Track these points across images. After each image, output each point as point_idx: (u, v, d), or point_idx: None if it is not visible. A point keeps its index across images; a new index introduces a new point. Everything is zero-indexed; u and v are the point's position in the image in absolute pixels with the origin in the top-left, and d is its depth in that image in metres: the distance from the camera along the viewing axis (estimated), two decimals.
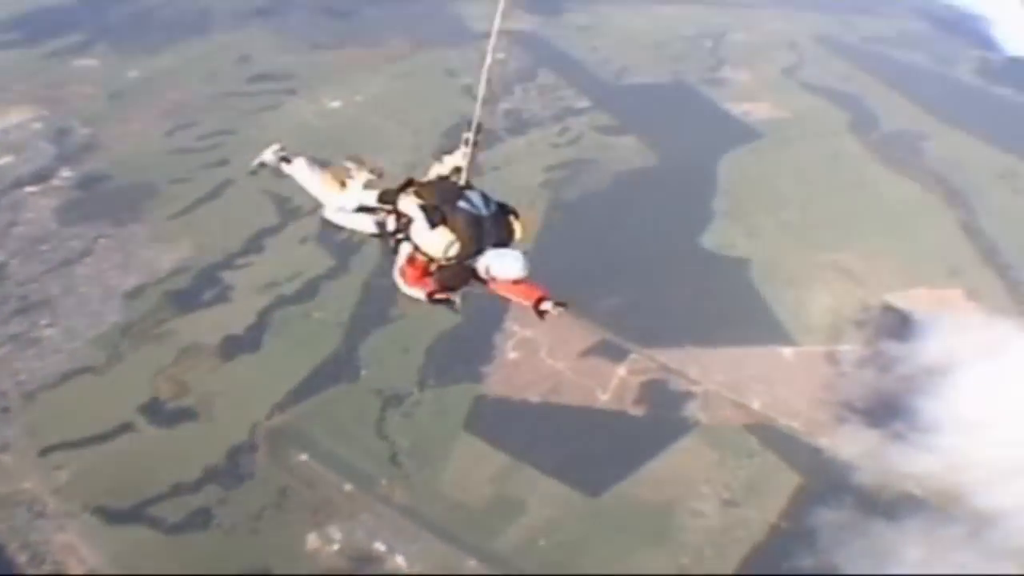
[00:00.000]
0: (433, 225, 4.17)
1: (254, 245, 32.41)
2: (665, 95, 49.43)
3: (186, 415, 25.57)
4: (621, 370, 29.22)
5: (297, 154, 5.39)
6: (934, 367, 35.57)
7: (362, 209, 4.84)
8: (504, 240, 4.48)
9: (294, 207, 34.06)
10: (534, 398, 27.95)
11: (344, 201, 4.88)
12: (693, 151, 42.34)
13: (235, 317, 29.26)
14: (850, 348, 32.46)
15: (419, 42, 51.16)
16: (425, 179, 4.77)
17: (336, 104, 43.62)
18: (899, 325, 34.78)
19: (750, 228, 37.26)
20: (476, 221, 4.33)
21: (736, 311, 32.41)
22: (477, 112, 4.87)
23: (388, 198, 4.62)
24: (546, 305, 4.49)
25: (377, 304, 30.19)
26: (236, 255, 31.88)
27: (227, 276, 30.88)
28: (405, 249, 4.52)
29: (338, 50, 49.44)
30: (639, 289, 31.45)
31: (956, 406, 34.36)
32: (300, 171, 5.17)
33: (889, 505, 29.66)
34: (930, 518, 29.88)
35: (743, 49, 58.28)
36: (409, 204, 4.40)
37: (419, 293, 4.47)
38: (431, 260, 4.40)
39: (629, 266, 32.27)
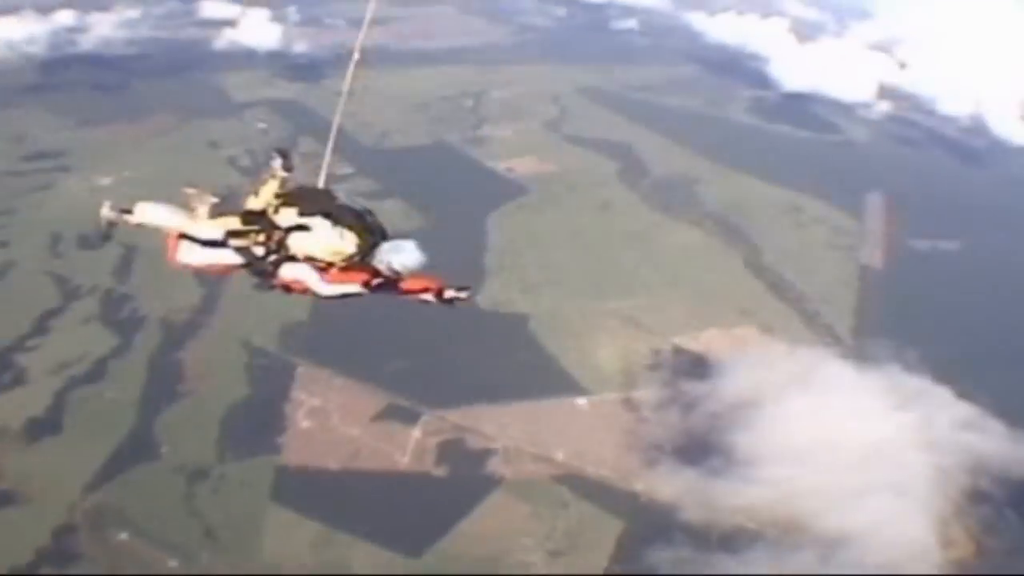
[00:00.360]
0: (335, 224, 6.62)
1: (41, 327, 47.73)
2: (428, 157, 73.57)
3: (6, 498, 38.03)
4: (416, 432, 43.89)
5: (135, 201, 7.36)
6: (742, 402, 52.88)
7: (219, 241, 7.02)
8: (383, 236, 7.01)
9: (74, 287, 51.02)
10: (334, 465, 41.60)
11: (208, 231, 7.02)
12: (460, 211, 62.76)
13: (33, 399, 43.10)
14: (647, 393, 49.95)
15: (184, 115, 76.00)
16: (254, 207, 7.14)
17: (107, 181, 63.34)
18: (695, 366, 53.25)
19: (525, 284, 56.28)
20: (361, 216, 6.89)
21: (523, 366, 49.09)
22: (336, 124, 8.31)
23: (254, 219, 6.93)
24: (450, 293, 7.00)
25: (165, 381, 45.19)
26: (26, 337, 46.75)
27: (20, 358, 45.43)
28: (293, 266, 6.85)
29: (108, 126, 72.88)
30: (421, 352, 47.07)
31: (774, 437, 51.18)
32: (150, 213, 7.21)
33: (725, 539, 43.08)
34: (772, 547, 43.12)
35: (504, 106, 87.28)
36: (290, 215, 6.77)
37: (354, 287, 6.85)
38: (329, 265, 6.73)
39: (407, 330, 47.03)
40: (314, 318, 50.13)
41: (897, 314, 63.49)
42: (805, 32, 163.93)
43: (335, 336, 48.53)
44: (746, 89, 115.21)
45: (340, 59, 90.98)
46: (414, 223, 60.19)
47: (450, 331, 48.27)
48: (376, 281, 6.93)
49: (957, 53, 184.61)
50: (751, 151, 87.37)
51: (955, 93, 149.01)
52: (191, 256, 7.22)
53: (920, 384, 56.53)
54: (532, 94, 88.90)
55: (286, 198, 7.22)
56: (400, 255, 7.02)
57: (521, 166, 72.98)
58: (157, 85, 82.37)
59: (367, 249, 6.98)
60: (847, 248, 74.96)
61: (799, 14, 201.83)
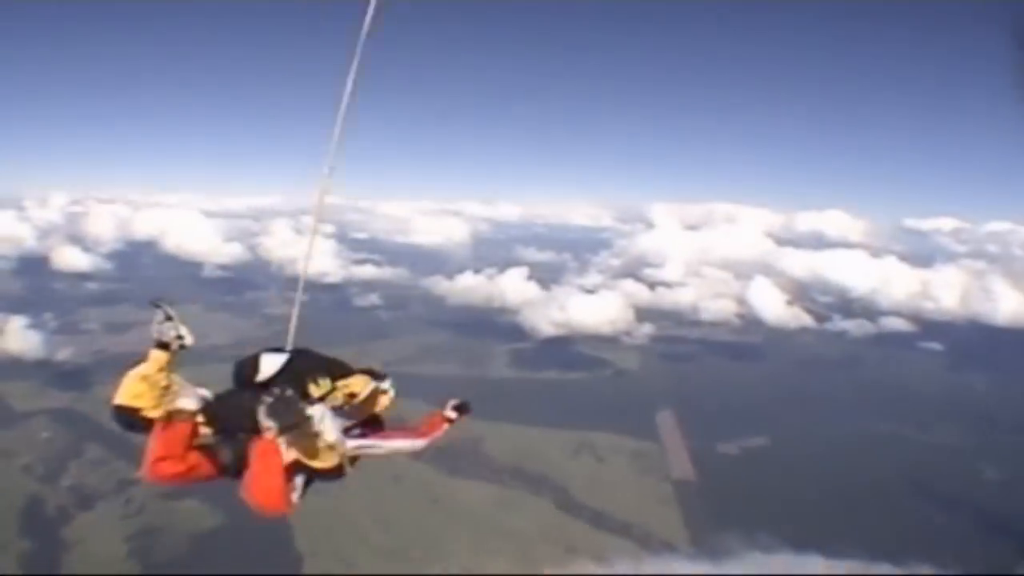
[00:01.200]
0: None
1: None
2: None
3: None
4: None
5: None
6: None
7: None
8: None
9: None
10: None
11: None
12: None
13: None
14: None
15: None
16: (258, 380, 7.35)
17: None
18: None
19: (345, 561, 67.97)
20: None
21: None
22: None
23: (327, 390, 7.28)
24: (451, 414, 8.09)
25: None
26: None
27: None
28: (387, 442, 7.58)
29: None
30: None
31: None
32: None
33: None
34: None
35: None
36: (361, 380, 7.53)
37: (444, 426, 8.10)
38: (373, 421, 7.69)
39: None
40: None
41: (731, 512, 79.93)
42: (547, 276, 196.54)
43: None
44: (502, 344, 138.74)
45: (103, 365, 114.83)
46: (216, 519, 73.15)
47: None
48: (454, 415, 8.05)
49: (700, 262, 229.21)
50: (525, 402, 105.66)
51: (714, 299, 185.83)
52: (296, 489, 7.03)
53: (787, 559, 71.67)
54: None
55: (327, 369, 7.52)
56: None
57: None
58: None
59: None
60: (654, 469, 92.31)
61: (536, 259, 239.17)
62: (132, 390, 7.05)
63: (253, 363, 7.50)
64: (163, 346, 7.11)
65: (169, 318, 7.22)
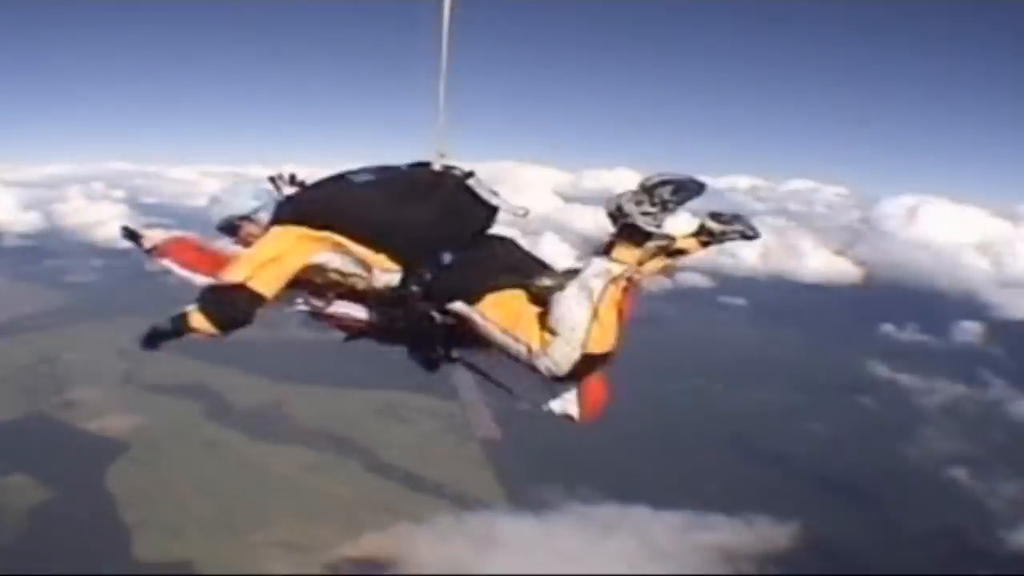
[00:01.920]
0: None
1: None
2: (28, 428, 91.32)
3: None
4: None
5: None
6: None
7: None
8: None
9: None
10: None
11: None
12: (76, 475, 77.81)
13: None
14: None
15: None
16: None
17: None
18: (375, 567, 69.43)
19: (172, 531, 69.65)
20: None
21: None
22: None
23: None
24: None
25: None
26: None
27: None
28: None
29: None
30: None
31: None
32: None
33: None
34: None
35: (79, 368, 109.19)
36: None
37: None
38: None
39: None
40: None
41: (545, 468, 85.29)
42: None
43: None
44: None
45: None
46: (46, 494, 75.83)
47: None
48: None
49: None
50: (322, 363, 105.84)
51: None
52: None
53: (613, 510, 78.16)
54: (101, 351, 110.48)
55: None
56: None
57: (114, 424, 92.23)
58: None
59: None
60: (459, 429, 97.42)
61: None
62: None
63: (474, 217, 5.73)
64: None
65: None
